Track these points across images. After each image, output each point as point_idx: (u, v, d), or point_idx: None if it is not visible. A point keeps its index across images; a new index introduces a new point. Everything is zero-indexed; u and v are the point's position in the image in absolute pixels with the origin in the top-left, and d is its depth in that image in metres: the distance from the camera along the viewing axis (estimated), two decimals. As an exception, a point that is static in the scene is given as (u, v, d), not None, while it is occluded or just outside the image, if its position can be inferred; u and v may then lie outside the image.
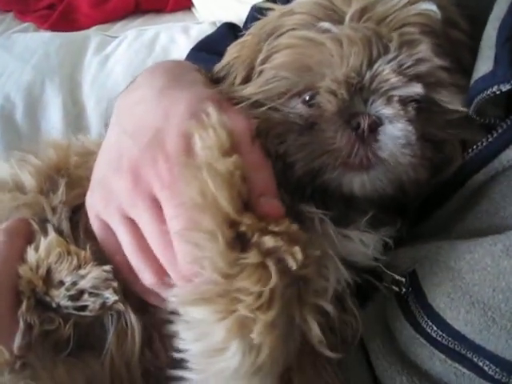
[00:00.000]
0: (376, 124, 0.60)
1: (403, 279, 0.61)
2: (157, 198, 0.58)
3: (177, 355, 0.51)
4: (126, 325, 0.63)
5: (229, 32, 1.04)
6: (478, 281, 0.54)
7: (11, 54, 1.51)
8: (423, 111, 0.61)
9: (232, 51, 0.72)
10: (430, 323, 0.57)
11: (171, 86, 0.65)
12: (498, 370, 0.54)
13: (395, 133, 0.60)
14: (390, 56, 0.59)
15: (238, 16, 1.36)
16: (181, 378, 0.51)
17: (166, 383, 0.58)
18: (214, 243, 0.50)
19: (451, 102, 0.62)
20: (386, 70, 0.59)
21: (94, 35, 1.64)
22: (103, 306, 0.61)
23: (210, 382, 0.51)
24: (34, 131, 1.37)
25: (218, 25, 1.23)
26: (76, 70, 1.49)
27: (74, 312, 0.61)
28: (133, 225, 0.61)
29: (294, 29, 0.63)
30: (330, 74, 0.60)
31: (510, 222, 0.57)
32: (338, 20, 0.61)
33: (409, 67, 0.59)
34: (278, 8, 0.68)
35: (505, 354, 0.53)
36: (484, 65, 0.60)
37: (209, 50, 0.98)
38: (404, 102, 0.60)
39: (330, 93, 0.60)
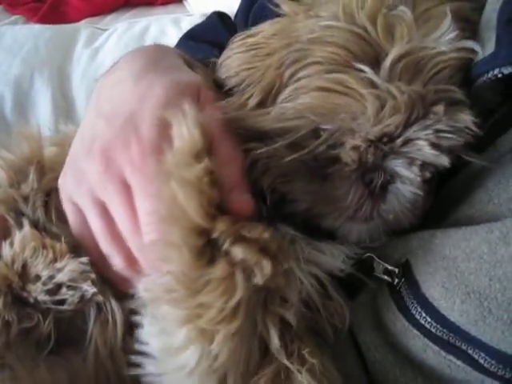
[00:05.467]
0: (388, 182, 0.58)
1: (396, 269, 0.59)
2: (128, 182, 0.57)
3: (138, 347, 0.51)
4: (108, 312, 0.61)
5: (219, 21, 1.03)
6: (474, 269, 0.53)
7: (0, 47, 1.49)
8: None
9: (243, 56, 0.65)
10: (424, 314, 0.56)
11: (149, 69, 0.63)
12: (493, 362, 0.52)
13: (405, 195, 0.58)
14: (429, 122, 0.55)
15: (230, 8, 1.35)
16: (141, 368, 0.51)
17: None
18: (180, 256, 0.49)
19: (475, 158, 0.59)
20: (421, 140, 0.55)
21: (83, 28, 1.62)
22: (82, 298, 0.60)
23: (167, 377, 0.51)
24: (23, 125, 1.34)
25: (209, 16, 1.22)
26: (66, 62, 1.47)
27: (53, 306, 0.59)
28: (104, 208, 0.60)
29: (323, 63, 0.56)
30: (361, 131, 0.55)
31: (503, 209, 0.55)
32: (376, 59, 0.55)
33: (446, 138, 0.55)
34: (305, 22, 0.60)
35: (500, 346, 0.52)
36: (484, 47, 0.58)
37: (198, 38, 0.96)
38: (424, 166, 0.58)
39: (355, 151, 0.56)
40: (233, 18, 1.05)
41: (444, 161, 0.56)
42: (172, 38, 1.45)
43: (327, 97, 0.55)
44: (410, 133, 0.55)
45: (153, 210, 0.52)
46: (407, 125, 0.55)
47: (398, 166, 0.57)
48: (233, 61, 0.66)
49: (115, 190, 0.58)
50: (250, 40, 0.65)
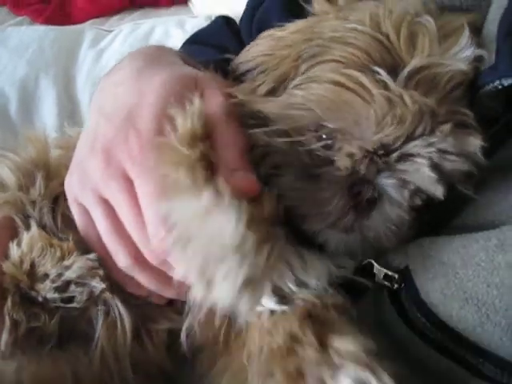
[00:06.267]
0: (375, 198, 0.57)
1: (395, 275, 0.60)
2: (129, 177, 0.58)
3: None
4: (115, 316, 0.62)
5: (224, 25, 1.03)
6: (472, 276, 0.53)
7: (5, 48, 1.50)
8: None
9: (264, 44, 0.66)
10: (424, 320, 0.56)
11: (149, 67, 0.65)
12: (492, 367, 0.53)
13: (390, 216, 0.57)
14: (433, 139, 0.53)
15: (234, 11, 1.35)
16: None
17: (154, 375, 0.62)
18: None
19: (469, 189, 0.58)
20: (421, 158, 0.53)
21: (88, 29, 1.63)
22: (91, 295, 0.60)
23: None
24: (28, 125, 1.35)
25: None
26: (70, 64, 1.48)
27: (62, 304, 0.60)
28: (108, 206, 0.60)
29: (341, 62, 0.56)
30: (360, 138, 0.55)
31: (503, 218, 0.56)
32: (393, 68, 0.54)
33: (449, 160, 0.54)
34: (331, 22, 0.61)
35: (499, 352, 0.52)
36: (487, 59, 0.58)
37: (202, 42, 0.96)
38: (416, 191, 0.57)
39: (350, 158, 0.55)
40: (238, 21, 1.05)
41: (439, 191, 0.55)
42: (176, 39, 1.46)
43: (337, 91, 0.55)
44: (410, 147, 0.54)
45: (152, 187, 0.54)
46: (409, 139, 0.54)
47: (389, 186, 0.56)
48: (253, 48, 0.67)
49: (117, 185, 0.59)
50: (277, 33, 0.66)
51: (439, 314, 0.55)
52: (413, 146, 0.54)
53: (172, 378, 0.67)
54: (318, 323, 0.54)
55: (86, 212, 0.63)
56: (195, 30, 1.16)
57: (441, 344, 0.55)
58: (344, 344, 0.51)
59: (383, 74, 0.53)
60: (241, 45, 0.84)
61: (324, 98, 0.55)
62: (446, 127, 0.53)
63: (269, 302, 0.55)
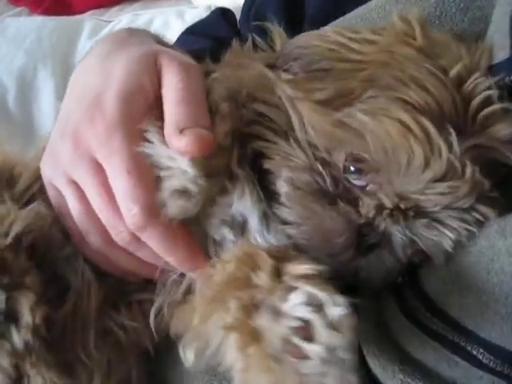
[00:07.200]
0: (378, 243, 0.55)
1: None
2: (97, 159, 0.59)
3: None
4: (85, 284, 0.63)
5: (221, 17, 1.03)
6: (473, 263, 0.52)
7: (4, 38, 1.51)
8: None
9: (330, 37, 0.60)
10: (423, 310, 0.55)
11: (116, 50, 0.66)
12: (492, 358, 0.52)
13: (385, 263, 0.56)
14: (469, 217, 0.52)
15: (234, 2, 1.35)
16: None
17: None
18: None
19: None
20: (448, 231, 0.52)
21: (87, 20, 1.64)
22: None
23: None
24: (26, 116, 1.37)
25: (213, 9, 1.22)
26: (69, 54, 1.49)
27: None
28: (78, 188, 0.61)
29: (413, 105, 0.52)
30: (400, 190, 0.52)
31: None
32: (459, 132, 0.51)
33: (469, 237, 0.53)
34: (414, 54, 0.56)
35: (499, 342, 0.51)
36: (497, 52, 0.56)
37: (198, 33, 0.98)
38: (419, 251, 0.55)
39: (376, 210, 0.54)
40: (237, 13, 1.05)
41: (441, 259, 0.55)
42: (176, 30, 1.45)
43: (403, 133, 0.51)
44: (442, 215, 0.52)
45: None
46: (446, 207, 0.52)
47: (397, 241, 0.55)
48: (313, 37, 0.62)
49: (85, 167, 0.60)
50: (347, 33, 0.60)
51: (440, 302, 0.54)
52: (446, 216, 0.53)
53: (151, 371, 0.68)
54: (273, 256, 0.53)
55: (60, 194, 0.64)
56: (195, 20, 1.16)
57: (440, 334, 0.54)
58: (297, 268, 0.50)
59: (453, 136, 0.50)
60: (237, 36, 0.83)
61: (385, 134, 0.51)
62: (489, 211, 0.52)
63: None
